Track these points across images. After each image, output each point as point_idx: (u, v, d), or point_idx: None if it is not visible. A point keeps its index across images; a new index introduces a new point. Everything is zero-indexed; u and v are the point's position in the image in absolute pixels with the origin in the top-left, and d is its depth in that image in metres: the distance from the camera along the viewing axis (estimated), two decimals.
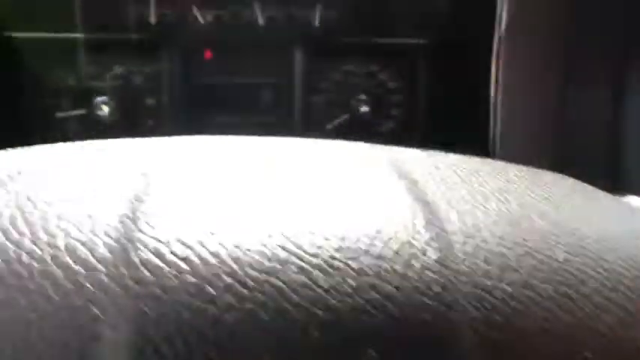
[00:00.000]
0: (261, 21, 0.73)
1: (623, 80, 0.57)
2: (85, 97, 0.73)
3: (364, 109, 0.76)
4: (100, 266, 0.12)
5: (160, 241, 0.12)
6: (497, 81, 0.60)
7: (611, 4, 0.56)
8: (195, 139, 0.22)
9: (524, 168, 0.21)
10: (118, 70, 0.72)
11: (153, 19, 0.71)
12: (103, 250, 0.12)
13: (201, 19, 0.72)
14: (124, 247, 0.12)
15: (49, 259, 0.12)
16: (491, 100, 0.60)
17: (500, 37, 0.58)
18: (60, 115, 0.73)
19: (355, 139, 0.76)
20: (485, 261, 0.13)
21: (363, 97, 0.76)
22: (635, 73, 0.56)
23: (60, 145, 0.21)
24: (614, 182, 0.59)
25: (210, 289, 0.11)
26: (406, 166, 0.18)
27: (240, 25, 0.73)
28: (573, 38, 0.57)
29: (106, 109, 0.72)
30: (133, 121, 0.74)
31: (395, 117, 0.78)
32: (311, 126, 0.77)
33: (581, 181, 0.21)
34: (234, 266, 0.12)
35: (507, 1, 0.57)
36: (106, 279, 0.11)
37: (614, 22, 0.56)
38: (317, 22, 0.74)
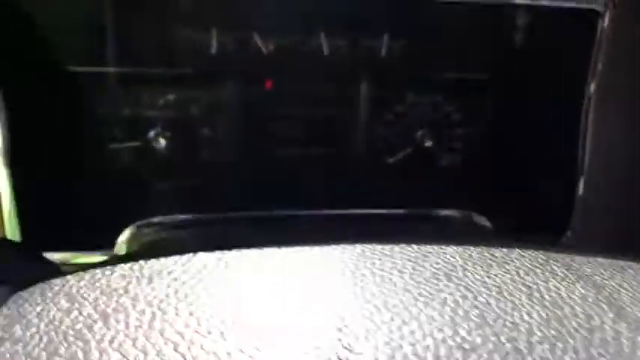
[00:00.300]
0: (326, 51, 0.69)
1: None
2: (140, 129, 0.70)
3: (428, 143, 0.74)
4: None
5: None
6: (584, 137, 0.58)
7: None
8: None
9: None
10: (174, 100, 0.69)
11: (214, 50, 0.67)
12: None
13: (263, 49, 0.68)
14: None
15: None
16: (579, 155, 0.58)
17: (589, 97, 0.56)
18: (114, 146, 0.70)
19: (418, 174, 0.75)
20: None
21: (427, 130, 0.74)
22: None
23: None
24: None
25: None
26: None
27: (303, 54, 0.69)
28: None
29: (162, 142, 0.70)
30: (190, 153, 0.71)
31: (459, 151, 0.76)
32: (373, 159, 0.75)
33: None
34: None
35: (599, 63, 0.55)
36: None
37: None
38: (383, 52, 0.70)
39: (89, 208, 0.66)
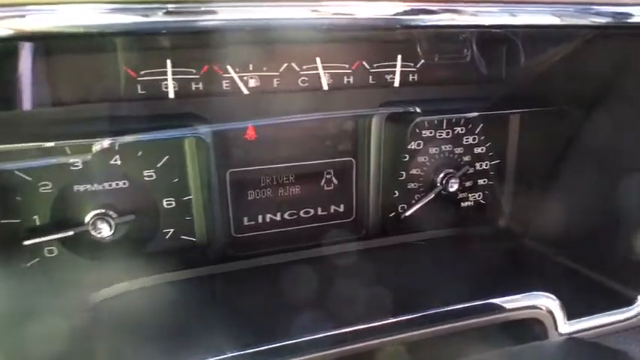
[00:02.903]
0: (325, 85, 0.52)
1: None
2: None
3: (453, 186, 0.60)
4: None
5: None
6: None
7: None
8: None
9: None
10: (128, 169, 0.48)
11: (173, 93, 0.47)
12: None
13: (243, 88, 0.50)
14: None
15: None
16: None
17: None
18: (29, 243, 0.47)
19: (441, 217, 0.58)
20: None
21: (449, 171, 0.60)
22: None
23: None
24: None
25: None
26: None
27: (294, 91, 0.52)
28: None
29: (105, 228, 0.48)
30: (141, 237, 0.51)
31: (481, 193, 0.64)
32: (384, 213, 0.59)
33: None
34: None
35: None
36: None
37: None
38: (397, 83, 0.55)
39: None
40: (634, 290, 0.51)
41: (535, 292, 0.47)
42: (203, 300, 0.49)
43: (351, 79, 0.54)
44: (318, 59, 0.51)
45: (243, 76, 0.50)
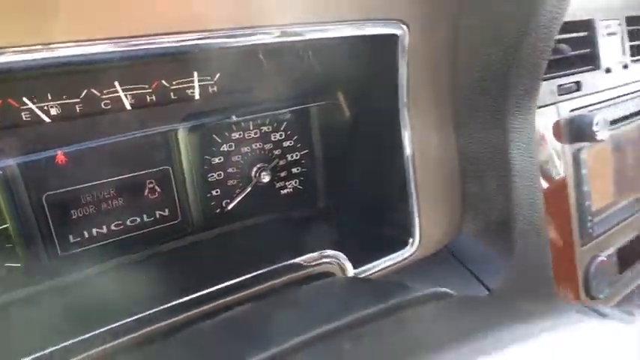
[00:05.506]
0: (128, 105, 0.58)
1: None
2: None
3: (265, 178, 0.70)
4: None
5: None
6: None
7: None
8: None
9: None
10: None
11: None
12: None
13: (44, 117, 0.54)
14: None
15: None
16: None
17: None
18: None
19: (259, 213, 0.71)
20: None
21: (261, 165, 0.70)
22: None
23: None
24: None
25: None
26: None
27: (99, 113, 0.57)
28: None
29: None
30: None
31: (297, 180, 0.74)
32: (209, 211, 0.67)
33: None
34: None
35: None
36: None
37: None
38: (197, 96, 0.63)
39: None
40: (406, 236, 0.65)
41: (326, 251, 0.58)
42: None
43: (154, 97, 0.60)
44: (116, 83, 0.57)
45: (43, 106, 0.54)
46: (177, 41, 0.46)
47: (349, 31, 0.54)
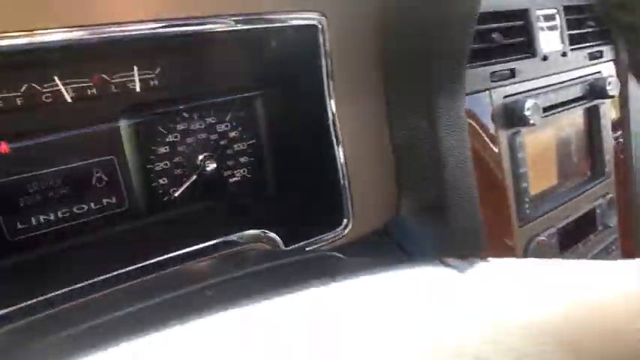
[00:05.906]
0: (69, 99, 0.62)
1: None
2: None
3: (211, 166, 0.73)
4: None
5: None
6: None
7: None
8: None
9: None
10: None
11: None
12: None
13: None
14: None
15: None
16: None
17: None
18: None
19: (206, 200, 0.75)
20: None
21: (206, 154, 0.73)
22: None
23: None
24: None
25: None
26: None
27: (41, 105, 0.61)
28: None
29: None
30: None
31: (245, 169, 0.78)
32: (156, 199, 0.71)
33: None
34: None
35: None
36: None
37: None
38: (138, 88, 0.66)
39: None
40: (340, 217, 0.69)
41: (260, 229, 0.62)
42: None
43: (95, 91, 0.64)
44: (56, 77, 0.61)
45: None
46: (115, 31, 0.50)
47: (267, 23, 0.58)
